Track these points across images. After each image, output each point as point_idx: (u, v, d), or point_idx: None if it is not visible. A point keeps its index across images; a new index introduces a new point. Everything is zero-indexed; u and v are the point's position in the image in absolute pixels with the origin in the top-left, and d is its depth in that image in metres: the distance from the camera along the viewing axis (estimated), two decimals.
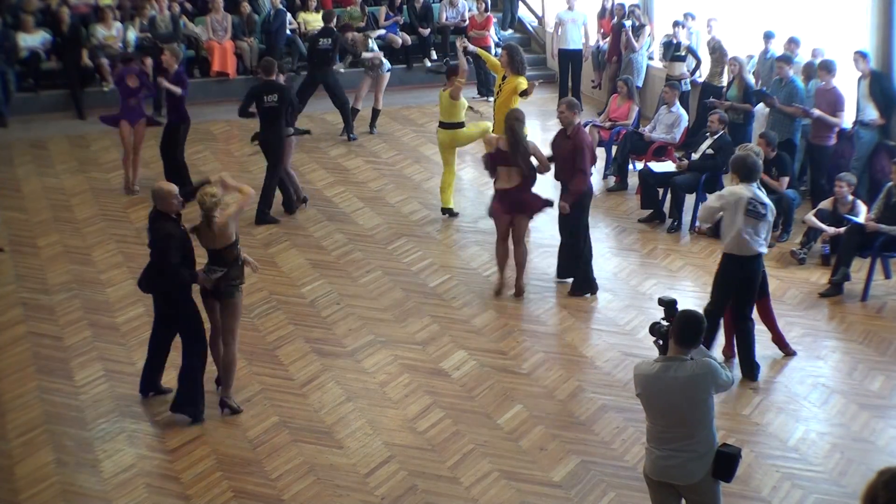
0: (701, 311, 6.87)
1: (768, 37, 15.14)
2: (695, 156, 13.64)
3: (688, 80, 16.61)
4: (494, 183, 11.56)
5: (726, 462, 6.55)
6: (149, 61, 16.44)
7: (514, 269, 11.64)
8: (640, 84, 17.40)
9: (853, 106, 13.50)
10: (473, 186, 15.11)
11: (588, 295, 11.59)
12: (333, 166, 16.17)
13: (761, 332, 10.18)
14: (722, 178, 13.34)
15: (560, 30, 18.91)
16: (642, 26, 17.69)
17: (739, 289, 9.64)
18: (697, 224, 13.39)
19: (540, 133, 17.70)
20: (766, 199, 9.52)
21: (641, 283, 11.96)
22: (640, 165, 14.68)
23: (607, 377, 9.98)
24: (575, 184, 11.28)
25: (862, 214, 11.86)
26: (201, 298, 9.21)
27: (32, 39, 18.76)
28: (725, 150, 12.90)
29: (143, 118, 14.85)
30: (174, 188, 9.26)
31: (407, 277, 12.22)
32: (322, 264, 12.61)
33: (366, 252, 12.93)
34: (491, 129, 13.43)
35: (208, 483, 8.43)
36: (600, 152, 15.61)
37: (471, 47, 14.89)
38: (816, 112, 13.26)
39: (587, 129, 15.47)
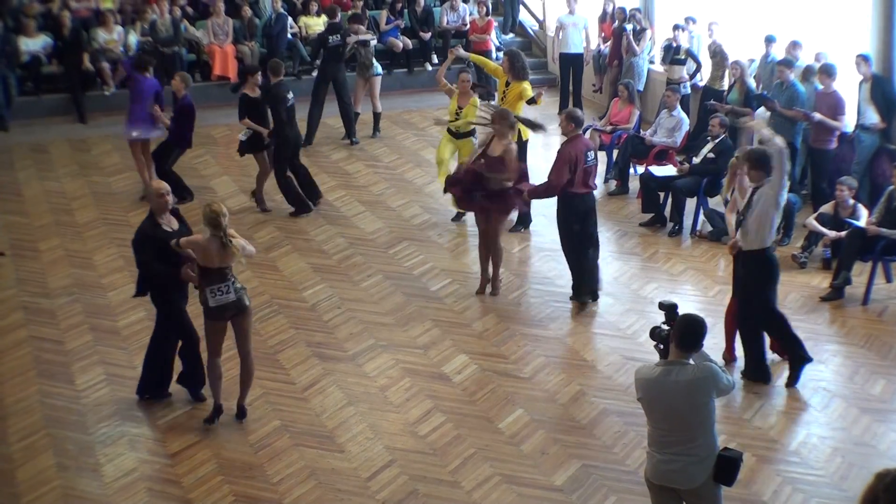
0: (702, 314, 6.85)
1: (769, 41, 15.15)
2: (696, 160, 13.65)
3: (687, 84, 16.62)
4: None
5: (728, 466, 6.55)
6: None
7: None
8: (641, 88, 17.41)
9: (854, 109, 13.50)
10: None
11: (589, 301, 11.47)
12: (334, 170, 16.17)
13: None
14: (723, 181, 13.32)
15: (561, 34, 18.92)
16: (643, 30, 17.70)
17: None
18: (698, 228, 13.40)
19: (541, 137, 17.66)
20: None
21: (643, 287, 11.96)
22: (641, 169, 14.67)
23: (608, 381, 9.98)
24: (537, 186, 11.42)
25: (863, 218, 11.85)
26: (211, 324, 8.95)
27: (34, 43, 18.77)
28: (726, 154, 12.90)
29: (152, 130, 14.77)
30: (162, 186, 9.33)
31: (408, 281, 12.22)
32: (323, 268, 12.61)
33: (367, 256, 12.93)
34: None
35: (209, 487, 8.43)
36: (601, 156, 15.64)
37: (462, 53, 14.82)
38: (817, 116, 13.26)
39: (587, 133, 15.53)
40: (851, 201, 12.03)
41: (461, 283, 12.11)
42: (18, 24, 19.00)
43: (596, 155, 11.21)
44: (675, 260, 12.73)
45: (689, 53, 16.68)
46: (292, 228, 13.85)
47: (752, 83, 14.86)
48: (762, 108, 14.29)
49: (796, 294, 11.66)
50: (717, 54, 15.86)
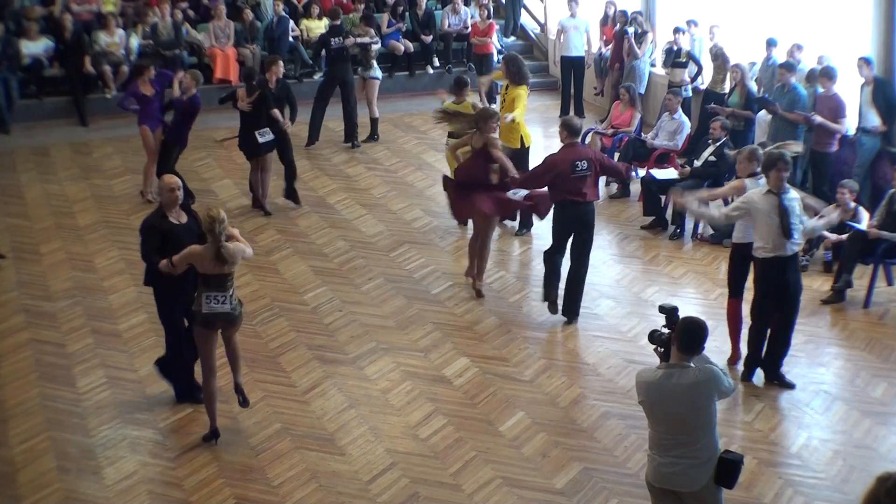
0: (703, 317, 6.85)
1: (770, 44, 15.15)
2: (697, 163, 13.65)
3: (688, 87, 16.62)
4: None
5: (729, 469, 6.55)
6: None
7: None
8: (642, 91, 17.41)
9: (855, 112, 13.50)
10: None
11: (570, 320, 11.17)
12: (335, 173, 16.18)
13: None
14: (724, 184, 13.32)
15: (562, 37, 18.95)
16: (644, 33, 17.70)
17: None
18: (700, 231, 13.41)
19: (542, 140, 17.72)
20: None
21: (644, 290, 11.96)
22: (642, 172, 14.67)
23: (609, 384, 9.98)
24: (523, 175, 11.57)
25: (864, 221, 11.85)
26: (201, 331, 8.82)
27: (35, 47, 18.78)
28: (727, 158, 12.91)
29: (160, 125, 14.75)
30: (172, 181, 9.30)
31: (409, 284, 12.22)
32: (324, 271, 12.62)
33: (368, 259, 12.94)
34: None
35: (210, 490, 8.43)
36: None
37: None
38: (818, 119, 13.26)
39: (589, 136, 15.56)
40: (853, 204, 12.02)
41: (462, 286, 12.11)
42: (20, 28, 19.02)
43: (590, 165, 10.74)
44: (677, 263, 12.73)
45: (691, 56, 16.68)
46: (293, 231, 13.86)
47: (753, 86, 14.87)
48: (763, 111, 14.31)
49: None
50: (719, 57, 15.86)
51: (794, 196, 9.42)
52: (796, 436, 9.09)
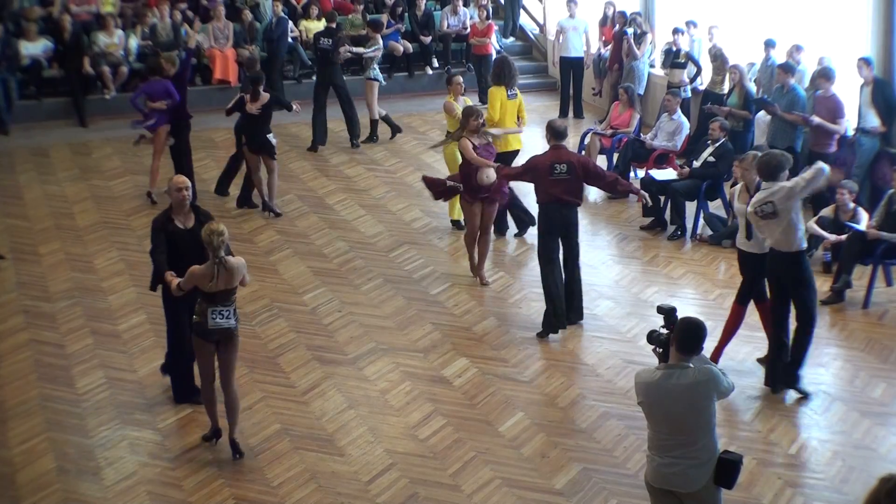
0: (702, 318, 6.85)
1: (769, 45, 15.15)
2: (696, 163, 13.65)
3: (687, 87, 16.63)
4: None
5: (728, 469, 6.55)
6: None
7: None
8: (641, 92, 17.42)
9: (855, 113, 13.51)
10: None
11: (550, 335, 10.92)
12: (335, 174, 16.19)
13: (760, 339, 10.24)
14: (723, 185, 13.35)
15: (561, 37, 18.95)
16: (644, 34, 17.71)
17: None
18: (699, 232, 13.41)
19: (541, 141, 17.66)
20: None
21: (643, 291, 11.97)
22: (641, 173, 14.68)
23: (609, 385, 9.98)
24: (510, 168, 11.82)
25: (863, 222, 11.86)
26: (199, 342, 8.73)
27: (34, 47, 18.79)
28: (727, 158, 12.92)
29: (167, 123, 14.74)
30: (180, 181, 9.28)
31: (408, 285, 12.23)
32: (324, 272, 12.62)
33: (367, 260, 12.94)
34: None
35: (210, 490, 8.44)
36: (602, 160, 15.66)
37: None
38: (816, 120, 13.26)
39: (588, 136, 15.58)
40: (852, 205, 12.03)
41: (461, 286, 12.11)
42: (19, 28, 19.03)
43: (571, 168, 10.61)
44: (676, 264, 12.73)
45: (690, 57, 16.68)
46: (292, 232, 13.87)
47: (751, 87, 14.87)
48: (762, 112, 14.31)
49: None
50: (718, 58, 15.87)
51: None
52: (795, 436, 9.10)
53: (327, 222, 14.20)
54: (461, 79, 13.80)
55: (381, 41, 17.85)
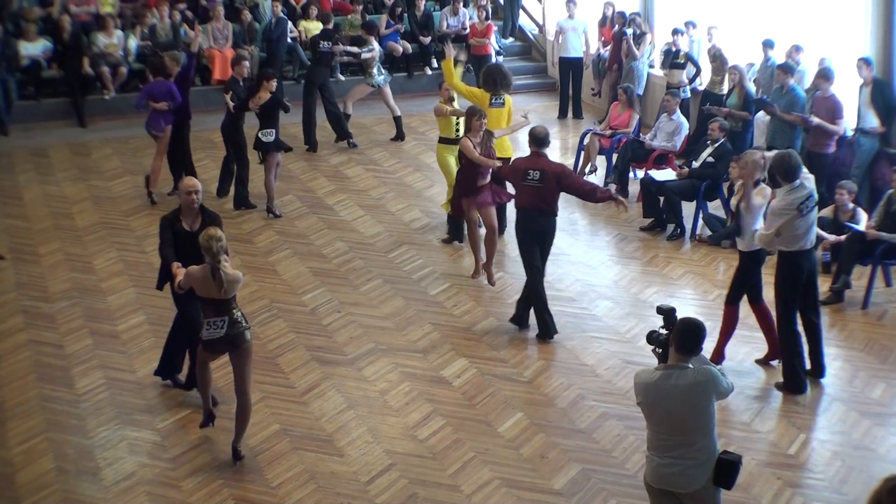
0: (701, 318, 6.85)
1: (768, 45, 15.15)
2: (695, 164, 13.66)
3: (686, 88, 16.64)
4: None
5: (727, 469, 6.55)
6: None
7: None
8: (640, 92, 17.43)
9: (854, 113, 13.51)
10: None
11: (549, 339, 10.90)
12: (334, 174, 16.19)
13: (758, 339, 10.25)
14: (722, 185, 13.34)
15: (561, 38, 18.96)
16: (643, 34, 17.71)
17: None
18: (698, 232, 13.42)
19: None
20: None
21: (642, 291, 11.97)
22: (640, 174, 14.69)
23: (608, 385, 9.98)
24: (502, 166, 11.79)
25: (862, 222, 11.86)
26: (203, 350, 8.72)
27: (33, 48, 18.79)
28: (726, 158, 12.91)
29: (170, 124, 14.76)
30: (190, 184, 9.25)
31: (408, 285, 12.23)
32: (323, 272, 12.62)
33: (366, 260, 12.94)
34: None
35: (209, 491, 8.43)
36: (601, 161, 15.68)
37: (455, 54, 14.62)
38: (815, 120, 13.26)
39: (587, 137, 15.59)
40: (851, 205, 12.04)
41: (461, 286, 12.11)
42: (18, 29, 19.03)
43: (544, 177, 10.52)
44: (675, 264, 12.73)
45: (689, 58, 16.69)
46: (292, 232, 13.87)
47: (751, 87, 14.87)
48: (761, 113, 14.31)
49: None
50: (717, 58, 15.88)
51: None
52: (795, 436, 9.10)
53: (326, 223, 14.20)
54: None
55: (375, 43, 17.82)
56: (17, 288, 12.30)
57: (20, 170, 16.57)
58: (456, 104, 13.50)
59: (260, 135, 13.93)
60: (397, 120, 17.73)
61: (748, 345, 10.42)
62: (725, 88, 15.48)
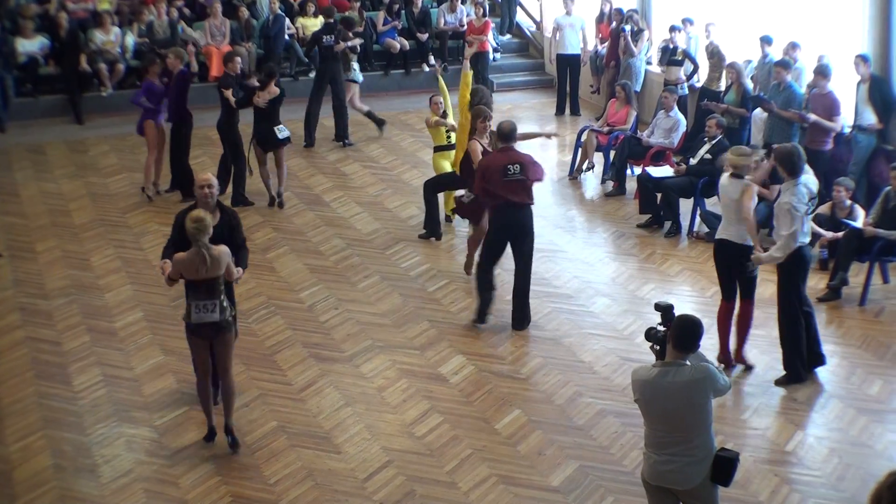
0: (698, 315, 6.85)
1: (766, 41, 15.15)
2: (693, 160, 13.66)
3: (684, 85, 16.64)
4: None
5: (724, 466, 6.56)
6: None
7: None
8: (638, 89, 17.42)
9: (851, 110, 13.51)
10: None
11: (480, 324, 11.06)
12: (331, 171, 16.18)
13: (757, 336, 10.25)
14: (720, 182, 13.32)
15: (558, 35, 18.97)
16: (640, 31, 17.72)
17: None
18: (696, 229, 13.42)
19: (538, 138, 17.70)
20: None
21: (640, 288, 11.97)
22: (638, 170, 14.69)
23: (605, 382, 9.98)
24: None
25: (860, 219, 11.87)
26: (191, 338, 8.73)
27: (31, 45, 18.77)
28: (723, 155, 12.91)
29: (150, 120, 14.77)
30: (203, 178, 9.16)
31: (405, 282, 12.22)
32: (320, 269, 12.62)
33: (364, 257, 12.94)
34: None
35: (207, 488, 8.43)
36: (598, 157, 15.68)
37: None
38: (812, 117, 13.26)
39: (584, 134, 15.59)
40: (848, 202, 12.04)
41: (458, 283, 12.11)
42: (15, 26, 19.01)
43: (524, 169, 10.65)
44: (672, 261, 12.73)
45: (686, 54, 16.70)
46: (289, 230, 13.86)
47: (749, 84, 14.87)
48: (758, 109, 14.31)
49: None
50: (715, 55, 15.88)
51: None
52: (792, 433, 9.10)
53: (324, 220, 14.20)
54: (440, 99, 13.72)
55: (351, 35, 17.80)
56: (14, 285, 12.29)
57: (17, 167, 16.56)
58: (451, 118, 13.57)
59: (276, 130, 14.18)
60: (370, 115, 17.72)
61: (747, 342, 10.39)
62: (723, 85, 15.49)
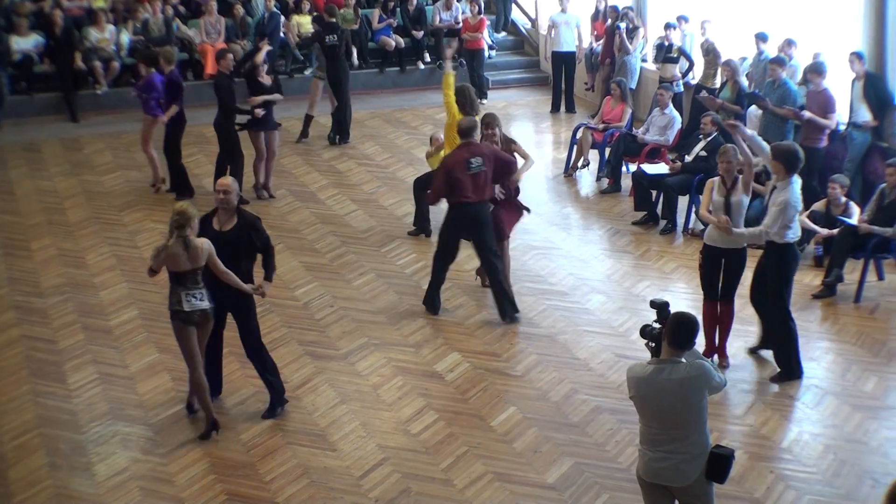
0: (693, 312, 6.85)
1: (761, 38, 15.16)
2: (688, 158, 13.66)
3: (680, 82, 16.65)
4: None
5: (720, 463, 6.56)
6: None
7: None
8: (633, 86, 17.42)
9: (846, 107, 13.52)
10: None
11: (508, 319, 11.10)
12: (327, 169, 16.17)
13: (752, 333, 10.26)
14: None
15: (553, 32, 18.97)
16: (636, 28, 17.72)
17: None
18: (691, 226, 13.43)
19: (533, 135, 17.80)
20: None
21: (635, 285, 11.97)
22: (633, 167, 14.69)
23: (601, 379, 9.98)
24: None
25: (855, 216, 11.88)
26: (181, 327, 8.76)
27: (25, 42, 18.76)
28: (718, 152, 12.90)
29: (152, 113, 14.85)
30: (222, 184, 9.20)
31: (400, 280, 12.22)
32: (316, 267, 12.61)
33: (359, 254, 12.93)
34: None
35: (202, 486, 8.43)
36: (594, 155, 15.68)
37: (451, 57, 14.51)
38: (807, 114, 13.26)
39: (580, 131, 15.59)
40: (843, 199, 12.05)
41: (453, 281, 12.10)
42: (10, 23, 18.99)
43: (485, 161, 10.72)
44: (667, 258, 12.74)
45: (682, 52, 16.71)
46: (284, 227, 13.85)
47: (744, 82, 14.88)
48: (753, 107, 14.32)
49: None
50: (710, 52, 15.89)
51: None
52: (787, 430, 9.11)
53: (319, 217, 14.19)
54: (441, 136, 13.60)
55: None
56: (9, 283, 12.27)
57: (12, 165, 16.54)
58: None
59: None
60: (310, 119, 17.59)
61: (740, 338, 10.42)
62: (718, 82, 15.50)
